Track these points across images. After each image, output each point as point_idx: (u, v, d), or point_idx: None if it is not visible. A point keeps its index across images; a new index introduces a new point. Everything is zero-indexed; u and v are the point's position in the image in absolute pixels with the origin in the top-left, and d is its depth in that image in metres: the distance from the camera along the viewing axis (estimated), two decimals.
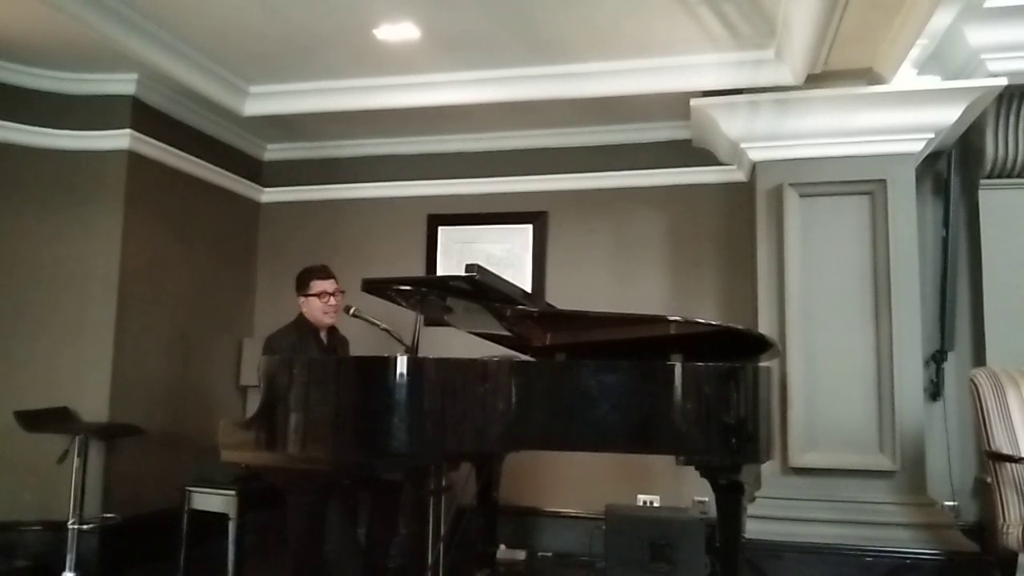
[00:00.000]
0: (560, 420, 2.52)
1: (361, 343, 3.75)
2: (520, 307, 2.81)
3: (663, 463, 4.02)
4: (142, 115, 4.09)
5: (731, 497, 2.61)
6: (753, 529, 3.60)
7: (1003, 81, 3.62)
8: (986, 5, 3.44)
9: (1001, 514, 2.99)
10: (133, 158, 4.05)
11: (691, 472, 2.68)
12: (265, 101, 4.47)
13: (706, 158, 4.50)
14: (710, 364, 2.51)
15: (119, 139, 4.00)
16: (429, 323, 3.30)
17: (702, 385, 2.50)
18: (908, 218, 3.80)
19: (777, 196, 3.94)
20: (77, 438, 3.54)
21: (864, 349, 3.76)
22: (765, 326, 3.88)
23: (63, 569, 3.49)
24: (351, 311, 3.35)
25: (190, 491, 3.68)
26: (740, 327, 2.69)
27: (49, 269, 3.94)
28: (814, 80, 3.74)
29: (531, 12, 3.52)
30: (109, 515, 3.77)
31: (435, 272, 4.84)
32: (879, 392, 3.71)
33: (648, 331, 2.75)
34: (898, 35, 3.39)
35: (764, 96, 3.87)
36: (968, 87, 3.66)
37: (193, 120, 4.49)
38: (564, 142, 4.76)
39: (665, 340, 2.70)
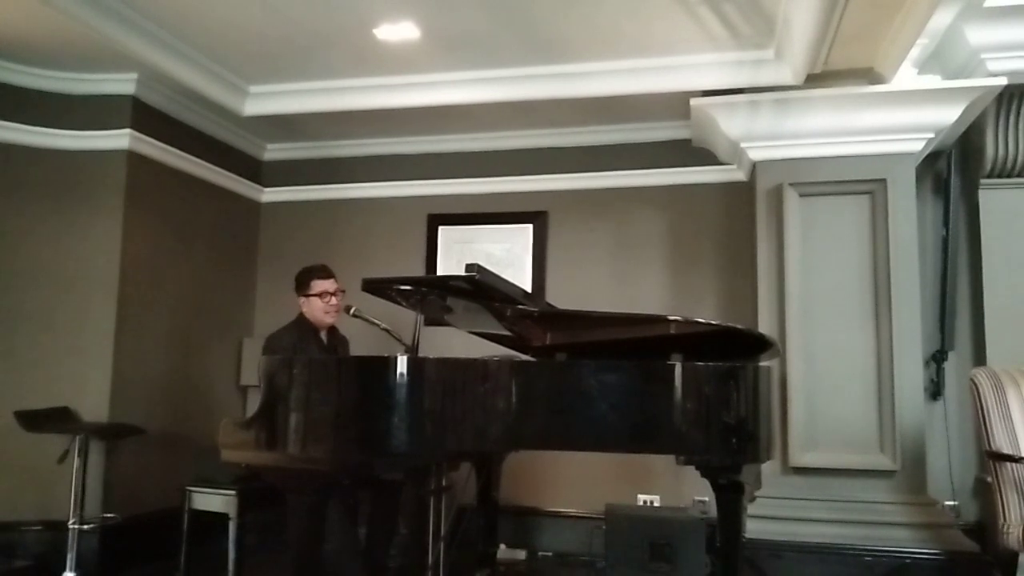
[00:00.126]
0: (560, 420, 2.52)
1: (361, 343, 3.75)
2: (520, 307, 2.81)
3: (663, 463, 4.02)
4: (142, 115, 4.09)
5: (731, 497, 2.61)
6: (753, 529, 3.60)
7: (1003, 81, 3.62)
8: (986, 5, 3.44)
9: (1001, 514, 2.99)
10: (133, 158, 4.05)
11: (691, 472, 2.67)
12: (265, 101, 4.47)
13: (706, 158, 4.50)
14: (710, 364, 2.51)
15: (119, 139, 4.00)
16: (429, 323, 3.29)
17: (702, 385, 2.50)
18: (908, 218, 3.80)
19: (777, 196, 3.94)
20: (77, 438, 3.54)
21: (864, 349, 3.76)
22: (765, 326, 3.87)
23: (63, 569, 3.49)
24: (351, 311, 3.35)
25: (190, 491, 3.68)
26: (740, 327, 2.69)
27: (49, 269, 3.94)
28: (814, 80, 3.74)
29: (531, 12, 3.52)
30: (109, 515, 3.77)
31: (435, 272, 4.84)
32: (879, 392, 3.71)
33: (648, 331, 2.75)
34: (898, 34, 3.39)
35: (764, 96, 3.87)
36: (968, 87, 3.66)
37: (193, 120, 4.49)
38: (564, 142, 4.76)
39: (665, 340, 2.70)
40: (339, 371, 2.56)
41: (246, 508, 3.55)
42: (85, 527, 3.53)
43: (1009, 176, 4.03)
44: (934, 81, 3.81)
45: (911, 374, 3.72)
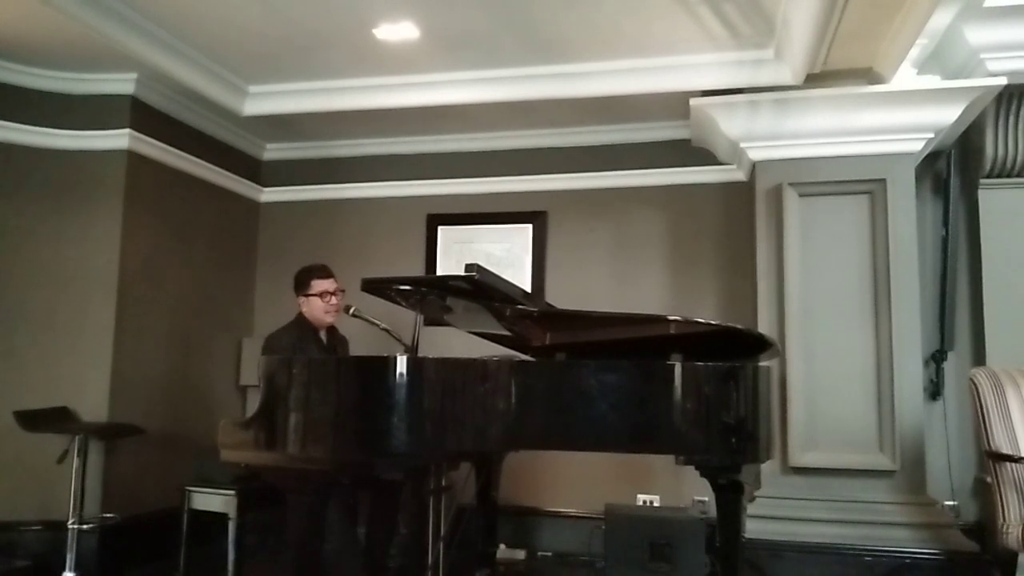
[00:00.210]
0: (560, 420, 2.52)
1: (361, 343, 3.75)
2: (520, 307, 2.81)
3: (663, 463, 4.02)
4: (141, 115, 4.09)
5: (731, 497, 2.61)
6: (753, 529, 3.60)
7: (1002, 81, 3.62)
8: (986, 4, 3.44)
9: (1001, 514, 2.99)
10: (132, 158, 4.05)
11: (691, 472, 2.67)
12: (264, 101, 4.47)
13: (706, 158, 4.50)
14: (710, 364, 2.51)
15: (118, 139, 4.00)
16: (429, 323, 3.29)
17: (702, 385, 2.50)
18: (908, 218, 3.80)
19: (777, 196, 3.94)
20: (77, 438, 3.53)
21: (864, 349, 3.76)
22: (765, 326, 3.88)
23: (63, 569, 3.49)
24: (351, 311, 3.35)
25: (190, 491, 3.69)
26: (740, 327, 2.69)
27: (49, 269, 3.93)
28: (814, 80, 3.74)
29: (531, 12, 3.52)
30: (109, 515, 3.77)
31: (435, 272, 4.84)
32: (879, 392, 3.71)
33: (648, 331, 2.75)
34: (898, 34, 3.39)
35: (764, 96, 3.87)
36: (968, 87, 3.66)
37: (193, 120, 4.49)
38: (564, 142, 4.76)
39: (665, 340, 2.70)
40: (339, 371, 2.56)
41: (246, 508, 3.55)
42: (84, 527, 3.53)
43: (1009, 176, 4.03)
44: (934, 81, 3.81)
45: (911, 374, 3.72)
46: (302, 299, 3.53)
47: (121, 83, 3.99)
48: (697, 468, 2.60)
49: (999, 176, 4.04)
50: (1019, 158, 3.95)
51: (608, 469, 4.35)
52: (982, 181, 4.07)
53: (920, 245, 3.89)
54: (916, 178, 3.91)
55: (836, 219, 3.87)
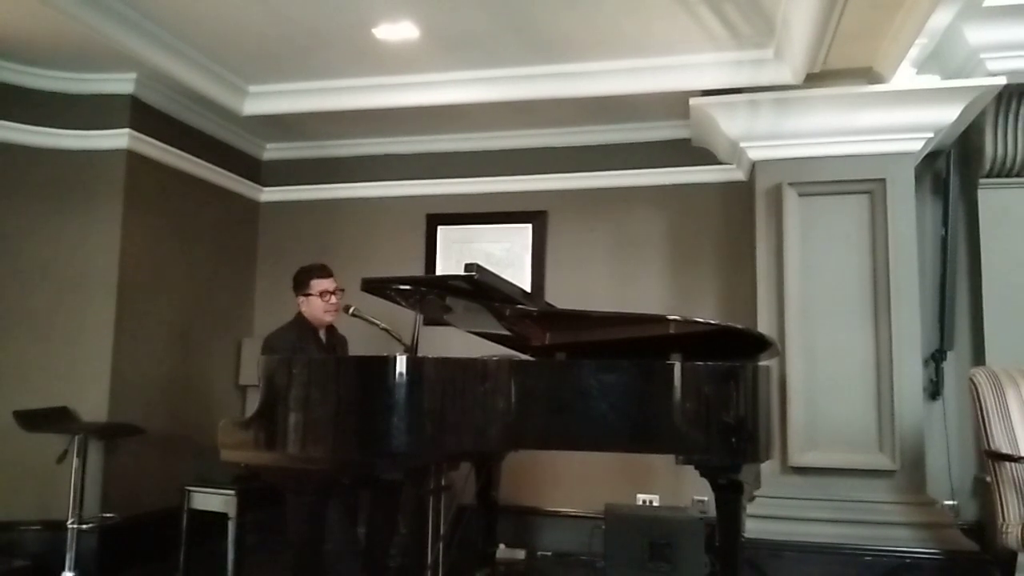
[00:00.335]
0: (560, 420, 2.53)
1: (360, 343, 3.75)
2: (519, 306, 2.81)
3: (663, 462, 4.02)
4: (141, 114, 4.09)
5: (731, 496, 2.61)
6: (753, 529, 3.61)
7: (1002, 80, 3.62)
8: (985, 4, 3.44)
9: (1000, 513, 2.99)
10: (132, 157, 4.05)
11: (691, 471, 2.67)
12: (264, 101, 4.47)
13: (705, 157, 4.50)
14: (710, 364, 2.51)
15: (118, 138, 4.00)
16: (429, 323, 3.29)
17: (702, 385, 2.50)
18: (907, 217, 3.80)
19: (776, 195, 3.94)
20: (76, 438, 3.53)
21: (864, 349, 3.76)
22: (765, 326, 3.88)
23: (62, 569, 3.49)
24: (350, 311, 3.34)
25: (190, 491, 3.69)
26: (739, 326, 2.69)
27: (49, 269, 3.93)
28: (813, 79, 3.74)
29: (531, 12, 3.52)
30: (108, 515, 3.77)
31: (434, 272, 4.84)
32: (879, 391, 3.71)
33: (648, 331, 2.75)
34: (897, 34, 3.39)
35: (763, 95, 3.87)
36: (967, 86, 3.67)
37: (192, 120, 4.49)
38: (564, 142, 4.76)
39: (665, 340, 2.70)
40: (338, 371, 2.55)
41: (245, 508, 3.56)
42: (84, 527, 3.53)
43: (1008, 176, 4.03)
44: (933, 81, 3.81)
45: (910, 374, 3.72)
46: (301, 299, 3.53)
47: (121, 83, 3.99)
48: (697, 468, 2.60)
49: (999, 176, 4.04)
50: (1019, 158, 3.96)
51: (608, 469, 4.35)
52: (982, 181, 4.07)
53: (920, 245, 3.89)
54: (916, 178, 3.91)
55: (836, 219, 3.87)
